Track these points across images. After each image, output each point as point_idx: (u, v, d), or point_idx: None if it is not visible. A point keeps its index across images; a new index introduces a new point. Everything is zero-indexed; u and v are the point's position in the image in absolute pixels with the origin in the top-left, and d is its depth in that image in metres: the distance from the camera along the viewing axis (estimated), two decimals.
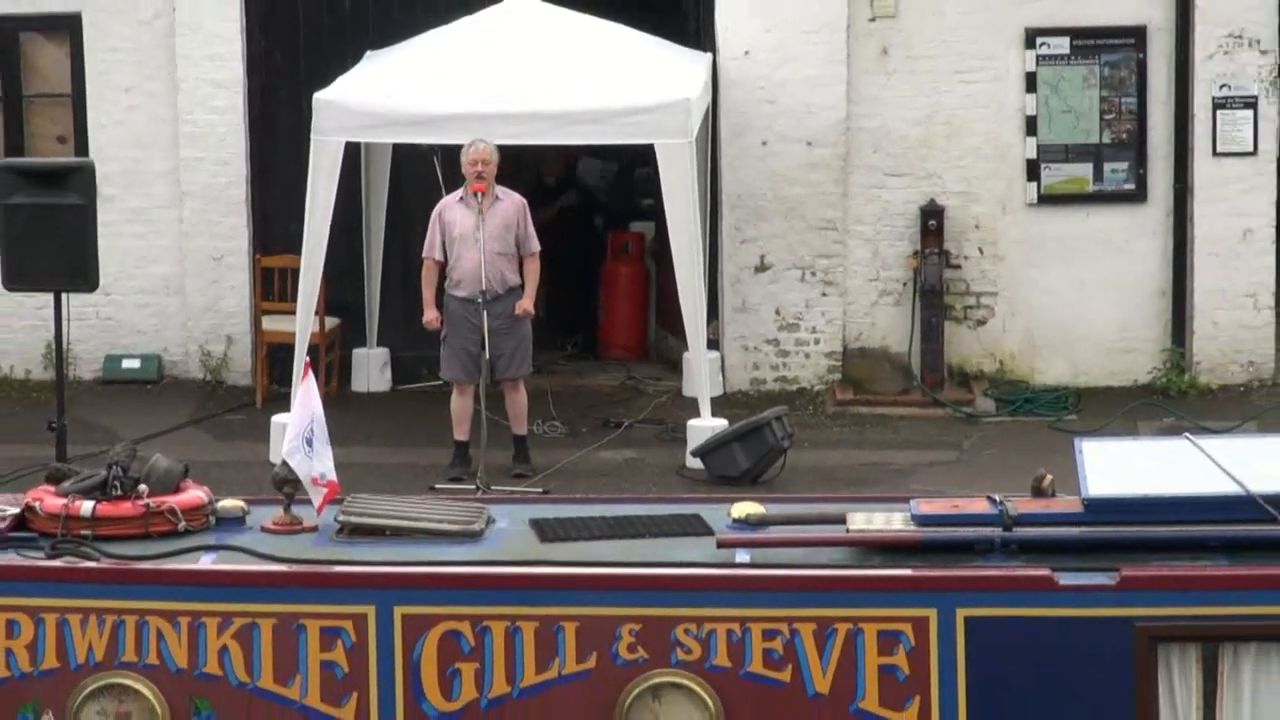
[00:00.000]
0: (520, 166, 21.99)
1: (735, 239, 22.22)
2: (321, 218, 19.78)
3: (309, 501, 11.74)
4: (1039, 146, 22.19)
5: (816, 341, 22.35)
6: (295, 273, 20.32)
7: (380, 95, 20.02)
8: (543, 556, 11.48)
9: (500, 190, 19.35)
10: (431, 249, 19.25)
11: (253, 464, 17.51)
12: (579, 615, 11.11)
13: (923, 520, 11.48)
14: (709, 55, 21.81)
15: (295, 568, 11.33)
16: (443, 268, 19.20)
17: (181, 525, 11.67)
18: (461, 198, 19.15)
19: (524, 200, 19.65)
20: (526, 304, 19.34)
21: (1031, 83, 22.10)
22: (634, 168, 22.85)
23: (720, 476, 18.95)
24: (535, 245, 19.41)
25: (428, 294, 19.32)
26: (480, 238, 18.93)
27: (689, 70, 20.98)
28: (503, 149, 19.26)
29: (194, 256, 22.47)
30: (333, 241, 20.00)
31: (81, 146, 22.10)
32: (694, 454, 19.57)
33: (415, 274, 20.01)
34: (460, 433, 19.35)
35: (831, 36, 21.95)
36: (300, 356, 18.73)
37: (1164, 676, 11.02)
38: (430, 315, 19.31)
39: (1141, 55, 22.08)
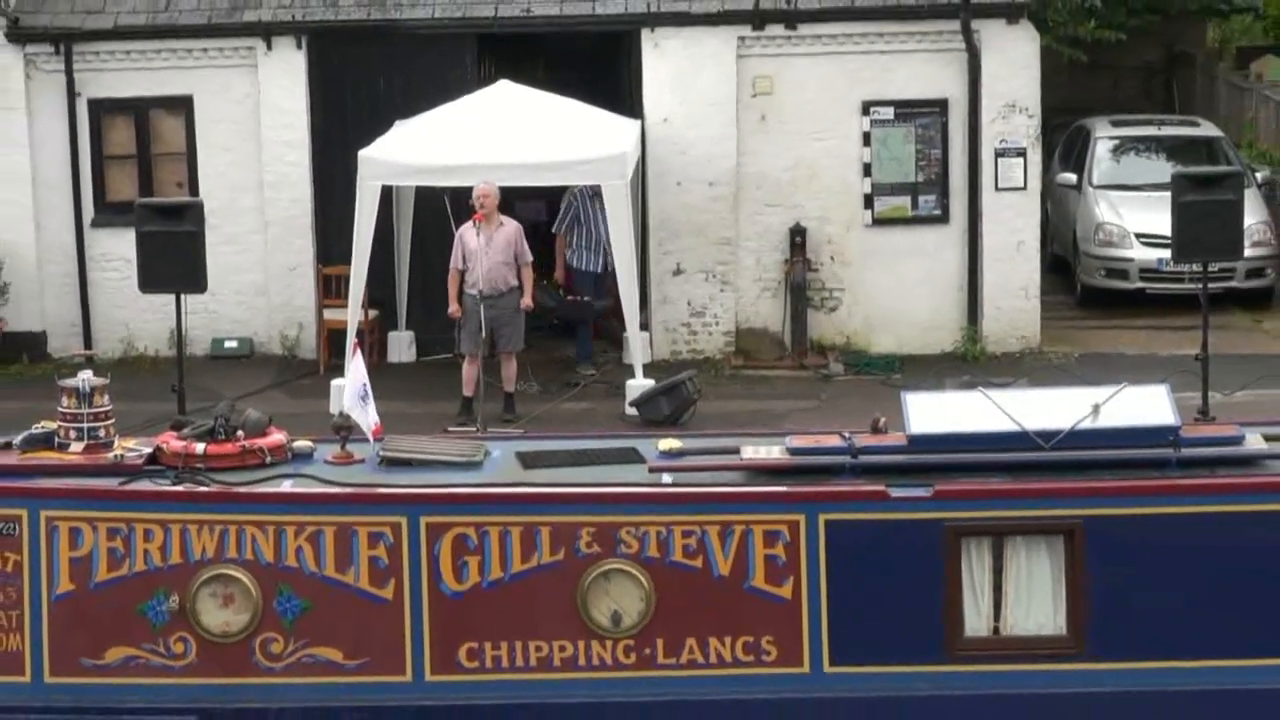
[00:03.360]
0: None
1: (659, 252, 22.18)
2: (365, 239, 19.73)
3: (361, 440, 11.77)
4: (872, 184, 22.15)
5: (717, 324, 22.31)
6: (346, 278, 20.26)
7: (406, 152, 19.97)
8: (525, 480, 11.50)
9: (503, 218, 19.35)
10: (455, 261, 19.23)
11: (317, 415, 17.48)
12: (551, 521, 11.12)
13: (794, 451, 11.52)
14: (639, 121, 21.75)
15: (349, 489, 11.32)
16: (462, 275, 19.22)
17: (267, 459, 11.64)
18: (473, 223, 19.18)
19: (520, 225, 19.69)
20: (527, 300, 19.38)
21: (867, 139, 22.06)
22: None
23: (650, 420, 18.92)
24: (529, 257, 19.39)
25: (452, 292, 19.32)
26: (482, 253, 18.96)
27: (625, 132, 20.95)
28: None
29: (274, 268, 22.36)
30: (372, 256, 19.94)
31: (194, 190, 21.96)
32: (631, 404, 19.54)
33: (433, 277, 20.01)
34: (468, 390, 19.30)
35: (726, 108, 21.90)
36: (351, 338, 18.72)
37: (965, 561, 11.06)
38: (453, 308, 19.27)
39: (944, 119, 22.06)
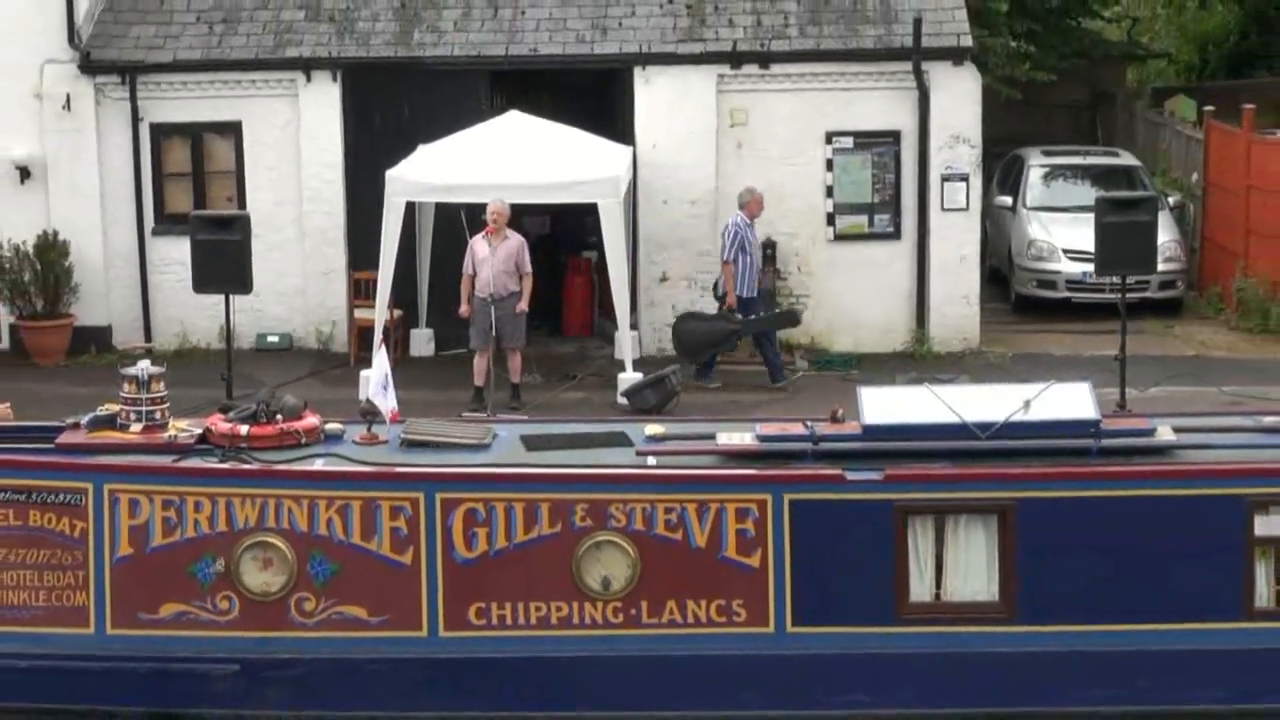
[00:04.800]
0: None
1: (647, 261, 22.11)
2: (390, 248, 19.63)
3: (384, 423, 11.74)
4: (834, 204, 22.04)
5: None
6: (374, 282, 20.17)
7: (428, 173, 19.87)
8: (528, 460, 11.49)
9: (510, 232, 19.29)
10: (467, 268, 19.14)
11: (348, 401, 17.43)
12: (550, 498, 11.10)
13: (763, 438, 11.52)
14: (631, 147, 21.68)
15: (374, 468, 11.31)
16: (473, 280, 19.18)
17: (303, 440, 11.64)
18: (484, 235, 19.15)
19: (523, 239, 19.62)
20: (522, 304, 19.26)
21: (829, 165, 21.95)
22: (577, 218, 22.69)
23: (638, 409, 18.84)
24: (528, 268, 19.28)
25: (464, 294, 19.26)
26: (489, 262, 18.94)
27: (619, 156, 20.87)
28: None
29: (311, 272, 22.26)
30: (397, 262, 19.85)
31: (241, 203, 21.85)
32: (621, 395, 19.46)
33: (450, 282, 19.86)
34: (478, 381, 19.23)
35: (706, 136, 21.82)
36: (378, 334, 18.60)
37: (911, 536, 11.05)
38: (464, 308, 19.18)
39: (897, 148, 21.96)
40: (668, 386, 19.24)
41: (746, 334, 20.43)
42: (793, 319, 21.09)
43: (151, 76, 22.11)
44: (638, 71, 21.91)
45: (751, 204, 20.37)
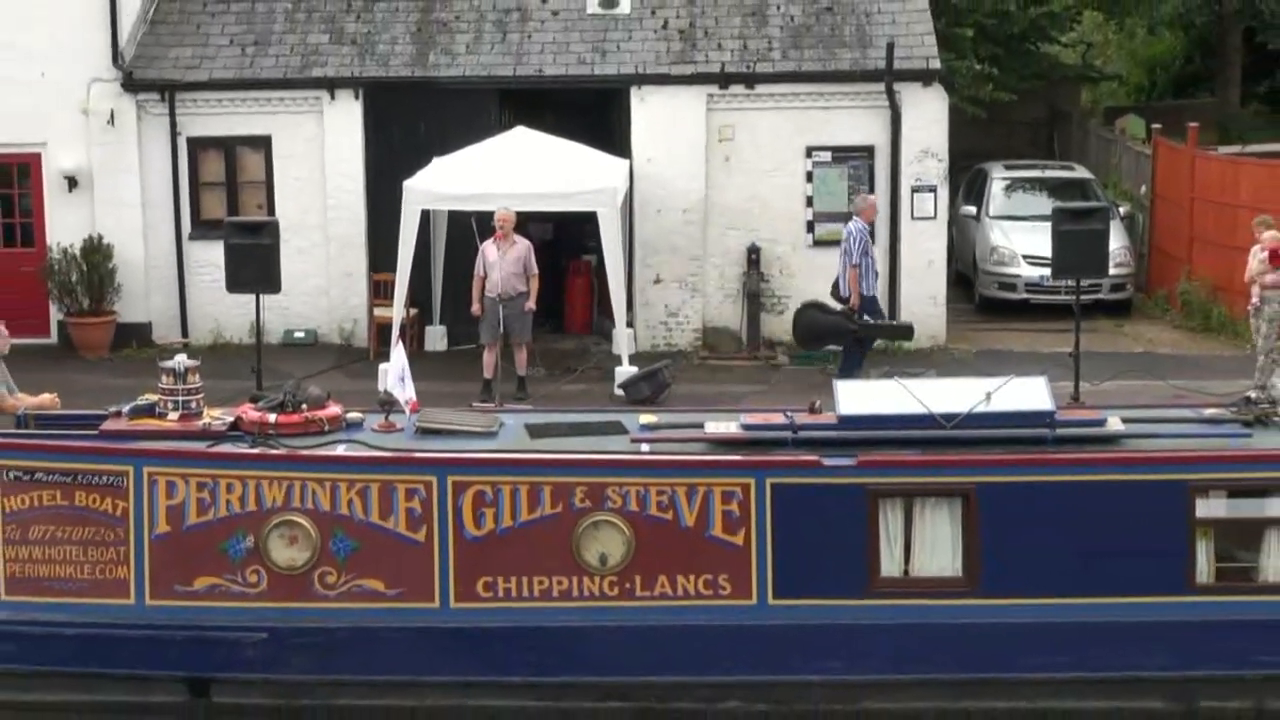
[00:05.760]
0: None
1: (642, 265, 22.11)
2: (407, 252, 19.61)
3: (400, 413, 11.73)
4: (813, 213, 22.08)
5: (688, 323, 22.25)
6: (392, 283, 20.18)
7: (442, 183, 19.87)
8: (532, 447, 11.48)
9: (517, 237, 19.27)
10: (478, 270, 19.10)
11: (368, 392, 17.38)
12: (552, 481, 11.09)
13: (747, 427, 11.51)
14: (628, 160, 21.69)
15: (391, 453, 11.29)
16: (484, 281, 19.16)
17: (326, 428, 11.63)
18: (493, 240, 19.14)
19: (530, 244, 19.61)
20: (530, 303, 19.24)
21: (809, 177, 21.97)
22: (578, 225, 22.66)
23: (633, 400, 18.86)
24: (534, 270, 19.26)
25: (475, 294, 19.24)
26: (499, 265, 18.93)
27: (617, 169, 20.87)
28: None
29: (334, 274, 22.26)
30: (413, 265, 19.83)
31: (271, 210, 21.83)
32: (618, 387, 19.46)
33: (463, 283, 19.85)
34: (487, 374, 19.23)
35: (697, 151, 21.81)
36: (395, 331, 18.60)
37: (882, 517, 11.03)
38: (475, 307, 19.15)
39: (871, 162, 21.95)
40: (661, 379, 19.25)
41: (863, 336, 19.64)
42: (907, 332, 20.41)
43: (189, 94, 22.10)
44: (634, 91, 21.91)
45: (867, 210, 19.87)
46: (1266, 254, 18.68)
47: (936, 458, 11.12)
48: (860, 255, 19.63)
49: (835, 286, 20.05)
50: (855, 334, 19.49)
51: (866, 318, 19.58)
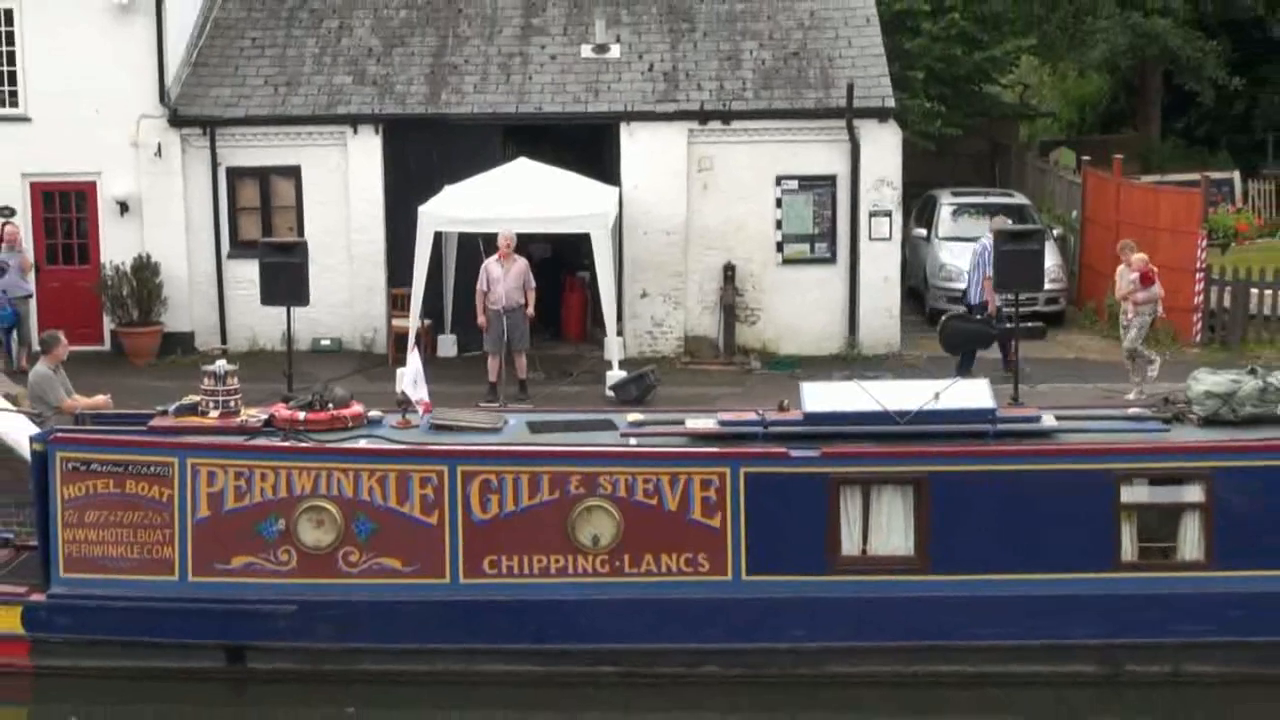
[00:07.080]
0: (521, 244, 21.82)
1: (630, 281, 22.00)
2: (422, 269, 19.50)
3: (416, 411, 11.73)
4: (783, 234, 22.03)
5: (671, 332, 22.14)
6: (408, 297, 20.12)
7: (452, 208, 19.79)
8: (532, 442, 11.48)
9: (516, 256, 19.24)
10: (481, 285, 19.06)
11: (386, 394, 17.34)
12: (550, 470, 11.12)
13: (723, 423, 11.55)
14: (618, 188, 21.65)
15: (408, 446, 11.31)
16: (486, 295, 19.14)
17: (349, 424, 11.64)
18: (496, 258, 19.11)
19: (528, 262, 19.57)
20: (529, 313, 19.25)
21: (779, 203, 21.91)
22: (574, 245, 22.60)
23: (622, 400, 18.78)
24: (532, 284, 19.18)
25: (480, 307, 19.20)
26: (501, 280, 18.92)
27: (608, 195, 20.80)
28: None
29: (357, 289, 22.16)
30: (426, 281, 19.75)
31: (301, 232, 21.72)
32: (609, 389, 19.41)
33: (472, 297, 19.77)
34: (492, 378, 19.14)
35: (679, 179, 21.68)
36: (411, 339, 18.51)
37: (843, 502, 11.07)
38: (481, 319, 19.12)
39: (834, 189, 21.80)
40: (647, 382, 19.18)
41: (1002, 339, 18.87)
42: (1040, 333, 19.01)
43: (227, 129, 22.04)
44: (623, 126, 21.86)
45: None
46: (1137, 275, 18.96)
47: (891, 449, 11.15)
48: (988, 266, 19.25)
49: (964, 295, 20.25)
50: (995, 338, 19.12)
51: (1005, 323, 18.73)
